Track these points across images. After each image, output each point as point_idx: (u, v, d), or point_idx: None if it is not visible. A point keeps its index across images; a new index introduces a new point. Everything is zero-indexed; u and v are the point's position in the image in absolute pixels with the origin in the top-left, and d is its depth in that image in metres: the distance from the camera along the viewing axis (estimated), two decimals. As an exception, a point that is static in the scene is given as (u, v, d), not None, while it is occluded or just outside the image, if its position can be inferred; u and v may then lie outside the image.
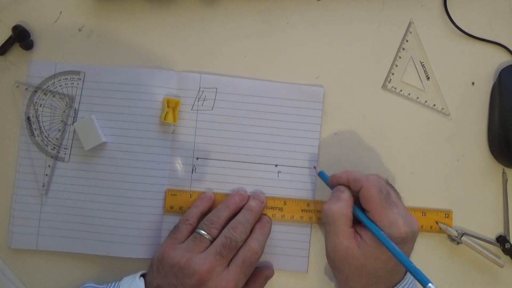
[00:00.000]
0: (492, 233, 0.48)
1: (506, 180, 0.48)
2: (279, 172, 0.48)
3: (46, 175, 0.47)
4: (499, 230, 0.48)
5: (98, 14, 0.49)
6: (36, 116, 0.47)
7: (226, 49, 0.49)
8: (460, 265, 0.48)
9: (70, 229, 0.47)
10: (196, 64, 0.49)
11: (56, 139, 0.47)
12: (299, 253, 0.47)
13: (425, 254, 0.48)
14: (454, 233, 0.47)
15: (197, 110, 0.48)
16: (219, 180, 0.47)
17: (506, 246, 0.47)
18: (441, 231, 0.47)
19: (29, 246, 0.47)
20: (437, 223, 0.48)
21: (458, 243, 0.47)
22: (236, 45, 0.49)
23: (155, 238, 0.47)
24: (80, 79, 0.47)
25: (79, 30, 0.49)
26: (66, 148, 0.47)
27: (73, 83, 0.47)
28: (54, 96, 0.47)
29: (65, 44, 0.49)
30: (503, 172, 0.48)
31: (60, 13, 0.49)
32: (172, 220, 0.46)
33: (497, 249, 0.48)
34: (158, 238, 0.47)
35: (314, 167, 0.47)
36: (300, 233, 0.48)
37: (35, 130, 0.47)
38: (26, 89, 0.48)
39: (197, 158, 0.47)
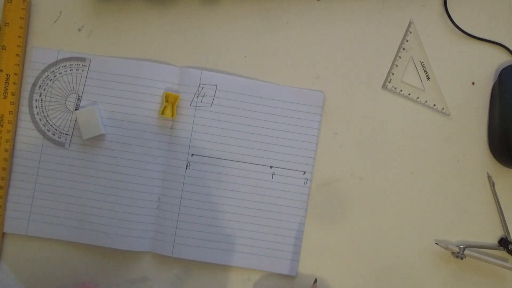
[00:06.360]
0: (493, 237, 0.48)
1: (493, 183, 0.48)
2: (273, 173, 0.48)
3: (42, 160, 0.47)
4: (500, 232, 0.48)
5: (98, 14, 0.49)
6: (40, 100, 0.48)
7: (226, 49, 0.49)
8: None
9: (61, 217, 0.47)
10: (197, 64, 0.49)
11: (57, 125, 0.47)
12: (288, 256, 0.47)
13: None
14: (456, 249, 0.46)
15: (196, 106, 0.47)
16: (212, 178, 0.47)
17: (510, 248, 0.47)
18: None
19: (20, 231, 0.47)
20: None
21: (462, 258, 0.47)
22: (236, 44, 0.49)
23: (147, 231, 0.47)
24: (86, 66, 0.48)
25: (79, 30, 0.49)
26: (67, 134, 0.47)
27: (78, 70, 0.48)
28: (58, 81, 0.48)
29: (65, 44, 0.48)
30: (488, 176, 0.48)
31: (60, 13, 0.49)
32: (165, 216, 0.47)
33: (502, 253, 0.48)
34: (149, 232, 0.47)
35: None
36: (290, 236, 0.47)
37: (37, 115, 0.47)
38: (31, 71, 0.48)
39: (192, 155, 0.47)
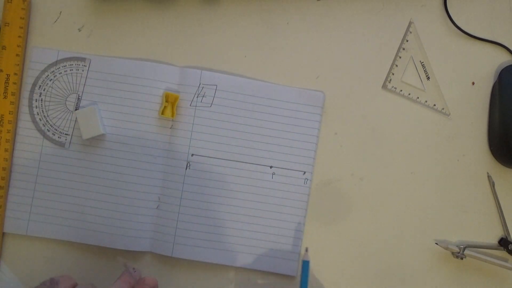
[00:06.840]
0: (493, 237, 0.48)
1: (493, 183, 0.48)
2: (273, 173, 0.48)
3: (42, 160, 0.47)
4: (500, 232, 0.48)
5: (98, 14, 0.49)
6: (40, 100, 0.48)
7: (226, 49, 0.49)
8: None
9: (61, 217, 0.47)
10: (197, 64, 0.49)
11: (57, 125, 0.47)
12: (288, 256, 0.47)
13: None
14: (455, 249, 0.46)
15: (196, 106, 0.47)
16: (212, 178, 0.47)
17: (510, 248, 0.47)
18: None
19: (20, 231, 0.47)
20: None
21: (462, 258, 0.47)
22: (236, 44, 0.49)
23: (147, 231, 0.47)
24: (86, 66, 0.48)
25: (79, 30, 0.49)
26: (67, 134, 0.47)
27: (78, 70, 0.48)
28: (58, 81, 0.48)
29: (65, 44, 0.48)
30: (488, 176, 0.48)
31: (60, 13, 0.49)
32: (164, 216, 0.47)
33: (502, 253, 0.48)
34: (149, 232, 0.47)
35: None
36: (290, 236, 0.47)
37: (37, 115, 0.47)
38: (31, 71, 0.48)
39: (192, 155, 0.47)
